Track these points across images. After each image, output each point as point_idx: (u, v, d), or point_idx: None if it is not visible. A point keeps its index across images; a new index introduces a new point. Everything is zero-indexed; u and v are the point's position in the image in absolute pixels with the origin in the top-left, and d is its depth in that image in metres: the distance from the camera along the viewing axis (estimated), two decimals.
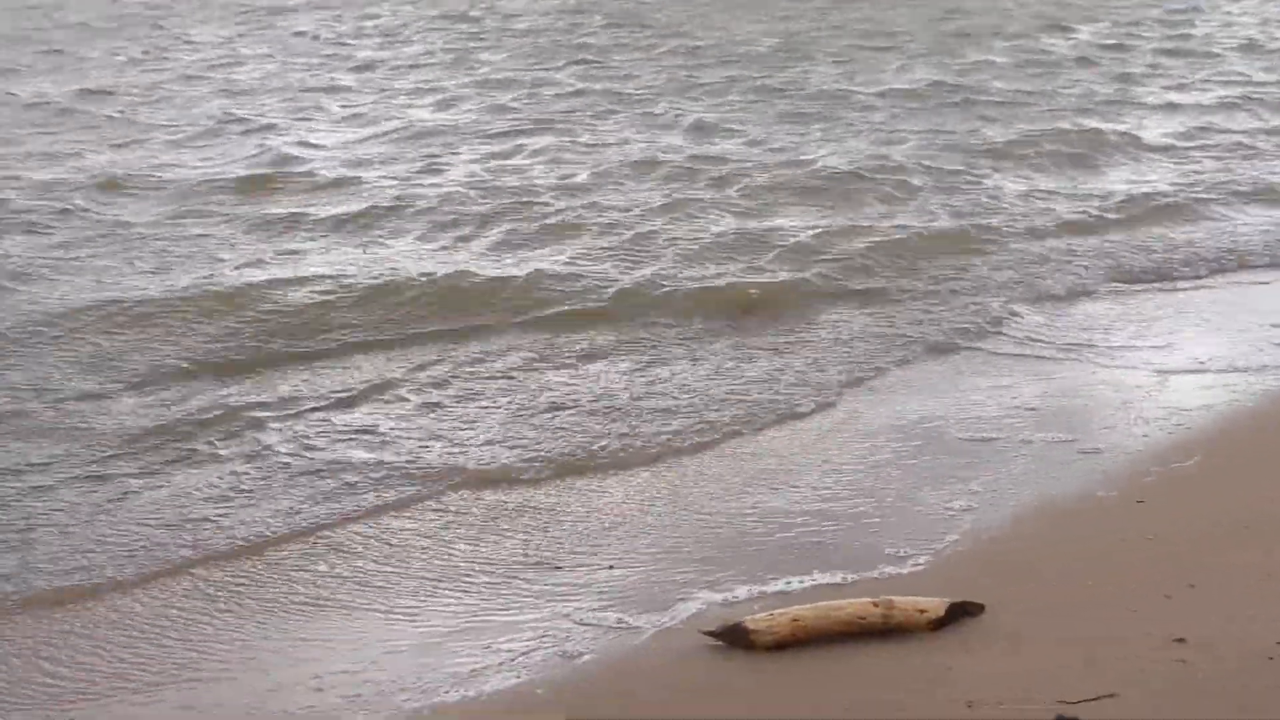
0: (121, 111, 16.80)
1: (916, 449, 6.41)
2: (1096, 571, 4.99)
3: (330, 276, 9.29)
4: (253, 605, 5.10)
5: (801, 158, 13.22)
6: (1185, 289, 9.35)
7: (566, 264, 9.65)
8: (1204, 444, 6.32)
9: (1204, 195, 11.79)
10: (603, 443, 6.58)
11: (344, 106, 17.06)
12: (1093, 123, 14.94)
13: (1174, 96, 17.00)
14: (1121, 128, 14.77)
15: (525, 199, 11.58)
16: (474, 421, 6.88)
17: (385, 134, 15.11)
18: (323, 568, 5.40)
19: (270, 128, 15.49)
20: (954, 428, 6.67)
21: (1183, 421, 6.64)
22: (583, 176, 12.53)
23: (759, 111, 16.09)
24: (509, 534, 5.62)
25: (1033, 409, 6.91)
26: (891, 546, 5.34)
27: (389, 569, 5.35)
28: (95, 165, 13.37)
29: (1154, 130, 14.84)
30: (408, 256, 10.00)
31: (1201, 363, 7.59)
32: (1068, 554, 5.21)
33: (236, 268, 9.67)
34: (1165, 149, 13.91)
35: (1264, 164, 13.16)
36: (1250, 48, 21.42)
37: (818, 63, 20.00)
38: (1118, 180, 12.57)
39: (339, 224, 10.99)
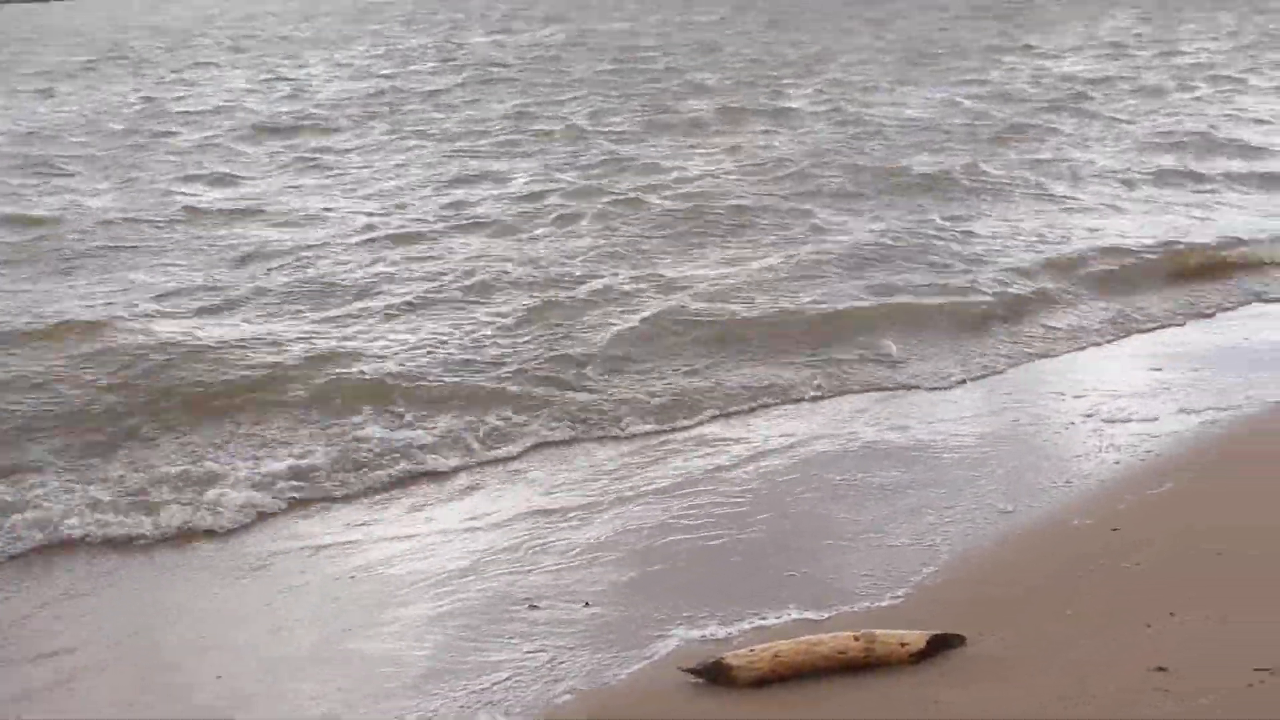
0: None
1: (884, 480, 6.40)
2: (1076, 600, 4.97)
3: None
4: (229, 637, 5.06)
5: None
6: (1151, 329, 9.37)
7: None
8: (1175, 470, 6.34)
9: None
10: (571, 484, 6.60)
11: None
12: None
13: None
14: None
15: None
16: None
17: None
18: (290, 606, 5.35)
19: None
20: (923, 458, 6.68)
21: (1153, 449, 6.66)
22: None
23: None
24: (487, 575, 5.56)
25: (1002, 439, 6.94)
26: (868, 579, 5.32)
27: (364, 611, 5.29)
28: None
29: None
30: None
31: (1167, 389, 7.63)
32: (1046, 583, 5.19)
33: None
34: None
35: None
36: None
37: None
38: None
39: None
